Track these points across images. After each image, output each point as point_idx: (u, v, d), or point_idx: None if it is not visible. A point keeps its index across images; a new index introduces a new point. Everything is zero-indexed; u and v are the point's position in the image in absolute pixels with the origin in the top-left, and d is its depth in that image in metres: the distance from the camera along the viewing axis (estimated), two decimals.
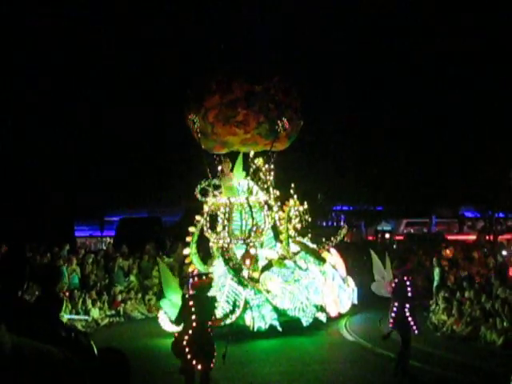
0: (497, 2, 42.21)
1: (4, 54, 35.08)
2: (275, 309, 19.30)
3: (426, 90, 45.06)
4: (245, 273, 19.51)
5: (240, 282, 19.32)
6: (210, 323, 10.77)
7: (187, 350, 10.37)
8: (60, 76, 37.91)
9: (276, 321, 19.04)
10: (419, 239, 46.13)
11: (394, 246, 43.71)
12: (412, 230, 60.67)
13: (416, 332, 14.15)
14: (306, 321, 19.55)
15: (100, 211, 47.19)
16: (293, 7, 42.06)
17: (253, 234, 20.33)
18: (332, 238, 22.79)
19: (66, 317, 19.38)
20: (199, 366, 10.34)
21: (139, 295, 24.53)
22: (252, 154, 22.09)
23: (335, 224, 54.17)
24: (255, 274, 19.43)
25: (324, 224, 54.70)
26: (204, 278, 11.27)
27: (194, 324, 10.46)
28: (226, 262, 19.95)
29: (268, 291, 19.29)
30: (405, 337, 14.04)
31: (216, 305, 11.41)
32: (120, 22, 38.07)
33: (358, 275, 28.26)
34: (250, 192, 21.48)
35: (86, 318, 21.50)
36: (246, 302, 19.03)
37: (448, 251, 30.16)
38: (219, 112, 21.34)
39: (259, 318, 18.85)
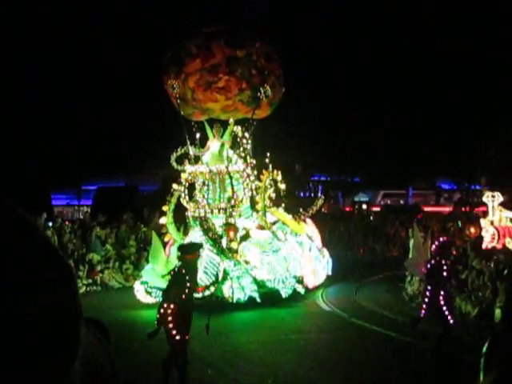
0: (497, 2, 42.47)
1: (4, 53, 34.93)
2: (255, 280, 19.14)
3: (402, 64, 45.47)
4: (223, 243, 19.36)
5: (219, 253, 19.16)
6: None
7: (170, 318, 10.12)
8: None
9: (256, 292, 18.85)
10: (396, 210, 46.38)
11: (371, 217, 43.91)
12: (389, 202, 61.08)
13: (451, 322, 12.82)
14: (285, 292, 19.40)
15: (77, 180, 47.04)
16: (294, 6, 42.16)
17: (232, 203, 20.10)
18: (308, 209, 22.76)
19: None
20: (177, 337, 10.07)
21: (116, 264, 24.48)
22: (231, 121, 21.65)
23: (313, 195, 54.30)
24: (233, 245, 19.19)
25: (302, 194, 54.84)
26: (191, 253, 10.75)
27: (187, 292, 10.19)
28: (205, 232, 19.65)
29: (247, 262, 19.13)
30: (441, 325, 12.86)
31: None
32: (120, 22, 37.94)
33: (334, 246, 28.49)
34: (230, 160, 21.09)
35: None
36: (226, 273, 18.91)
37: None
38: (200, 77, 20.79)
39: (239, 290, 18.65)
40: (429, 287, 12.99)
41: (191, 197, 20.82)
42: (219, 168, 20.68)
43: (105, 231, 26.06)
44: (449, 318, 12.75)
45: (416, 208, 50.22)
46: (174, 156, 21.25)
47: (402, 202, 61.15)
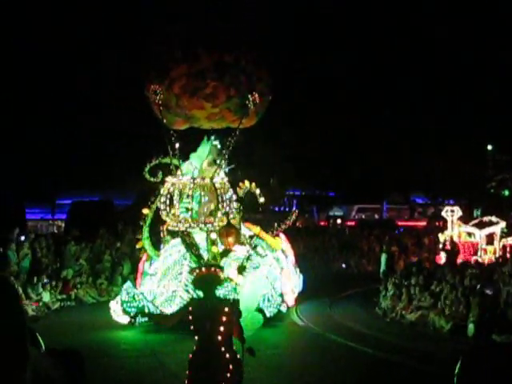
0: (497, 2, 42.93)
1: (4, 53, 34.88)
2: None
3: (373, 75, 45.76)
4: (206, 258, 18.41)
5: None
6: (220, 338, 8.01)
7: (187, 372, 8.08)
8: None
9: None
10: (370, 225, 46.56)
11: (346, 232, 44.07)
12: (363, 216, 61.26)
13: None
14: (270, 311, 18.48)
15: (52, 194, 46.75)
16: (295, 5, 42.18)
17: (218, 217, 18.80)
18: (282, 223, 22.23)
19: None
20: None
21: (90, 279, 24.35)
22: (212, 138, 20.69)
23: (287, 209, 54.33)
24: (214, 261, 17.57)
25: (276, 209, 54.83)
26: (209, 269, 8.62)
27: (197, 338, 8.12)
28: (188, 247, 18.13)
29: (229, 279, 18.44)
30: None
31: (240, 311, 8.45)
32: (119, 22, 37.95)
33: (308, 261, 28.51)
34: (216, 172, 19.55)
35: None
36: None
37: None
38: (186, 83, 19.48)
39: None
40: None
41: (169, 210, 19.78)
42: (204, 180, 19.51)
43: (79, 246, 25.91)
44: None
45: (390, 223, 50.47)
46: (147, 167, 19.90)
47: (376, 216, 61.40)
